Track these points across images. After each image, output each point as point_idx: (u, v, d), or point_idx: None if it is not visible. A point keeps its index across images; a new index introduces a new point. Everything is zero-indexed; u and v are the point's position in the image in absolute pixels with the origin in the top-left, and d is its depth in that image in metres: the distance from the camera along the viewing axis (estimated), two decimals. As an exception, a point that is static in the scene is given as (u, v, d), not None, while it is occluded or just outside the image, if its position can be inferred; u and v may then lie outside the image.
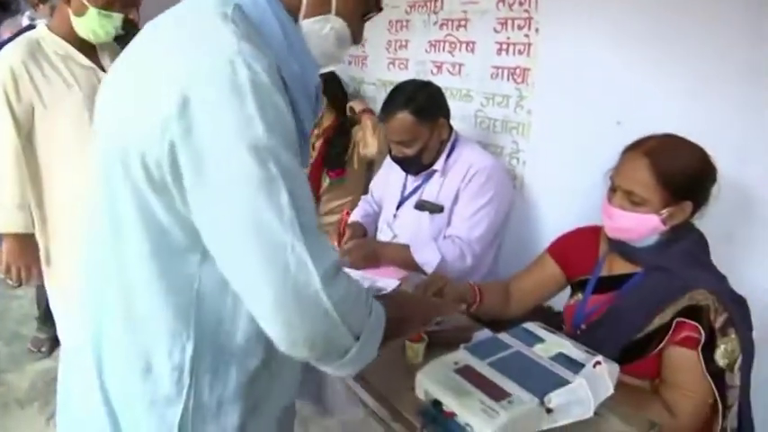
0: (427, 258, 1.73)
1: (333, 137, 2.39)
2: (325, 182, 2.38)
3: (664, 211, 1.18)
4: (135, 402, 0.79)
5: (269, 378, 0.86)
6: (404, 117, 1.73)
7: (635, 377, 1.25)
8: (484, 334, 1.33)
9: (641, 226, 1.20)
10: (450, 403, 0.99)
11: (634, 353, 1.21)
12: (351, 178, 2.40)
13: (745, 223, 1.40)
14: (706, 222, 1.27)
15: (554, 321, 1.52)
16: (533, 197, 1.95)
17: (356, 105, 2.46)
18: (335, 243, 1.86)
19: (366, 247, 1.76)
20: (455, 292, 1.33)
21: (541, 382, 1.01)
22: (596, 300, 1.31)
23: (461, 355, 1.10)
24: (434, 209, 1.81)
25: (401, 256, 1.77)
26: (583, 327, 1.31)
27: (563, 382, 1.00)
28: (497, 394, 0.98)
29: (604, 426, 1.03)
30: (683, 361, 1.16)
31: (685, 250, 1.21)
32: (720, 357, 1.13)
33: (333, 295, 0.69)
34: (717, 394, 1.14)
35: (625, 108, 1.62)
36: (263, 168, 0.67)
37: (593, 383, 1.02)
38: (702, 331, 1.13)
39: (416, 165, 1.82)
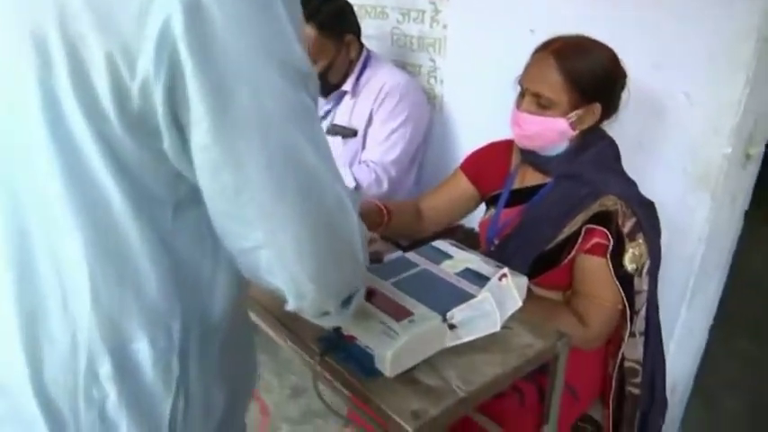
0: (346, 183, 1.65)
1: None
2: None
3: (572, 113, 1.12)
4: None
5: (244, 358, 0.77)
6: (308, 32, 1.60)
7: (548, 289, 1.23)
8: (395, 255, 1.28)
9: (550, 130, 1.14)
10: (349, 327, 0.93)
11: (545, 264, 1.18)
12: None
13: (657, 131, 1.38)
14: (617, 130, 1.23)
15: (472, 240, 1.49)
16: (453, 116, 1.88)
17: None
18: None
19: None
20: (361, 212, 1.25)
21: (445, 298, 0.96)
22: (508, 213, 1.27)
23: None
24: (347, 133, 1.72)
25: None
26: (496, 242, 1.28)
27: (467, 297, 0.96)
28: (399, 314, 0.93)
29: (513, 339, 1.00)
30: (592, 269, 1.14)
31: (595, 156, 1.17)
32: (629, 262, 1.12)
33: (361, 237, 0.63)
34: (624, 298, 1.13)
35: (538, 16, 1.54)
36: (297, 93, 0.55)
37: (498, 297, 0.99)
38: (611, 237, 1.11)
39: (323, 85, 1.70)
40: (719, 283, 1.56)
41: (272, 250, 0.58)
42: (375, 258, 1.19)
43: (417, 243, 1.22)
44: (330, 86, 1.72)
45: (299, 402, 2.02)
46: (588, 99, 1.12)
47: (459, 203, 1.39)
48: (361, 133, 1.71)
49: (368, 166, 1.66)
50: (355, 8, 1.77)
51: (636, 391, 1.19)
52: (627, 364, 1.19)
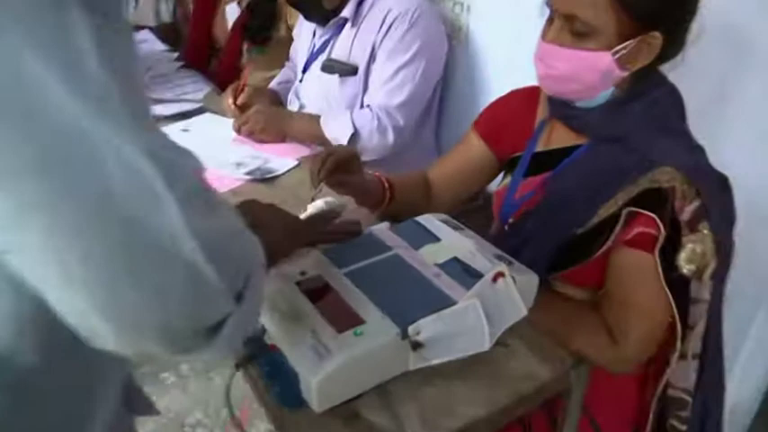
0: (338, 132, 1.36)
1: (257, 3, 1.92)
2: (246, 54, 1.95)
3: (620, 46, 0.78)
4: None
5: None
6: None
7: (576, 287, 0.93)
8: (379, 228, 1.01)
9: (588, 70, 0.80)
10: (274, 332, 0.68)
11: (572, 255, 0.88)
12: (276, 47, 1.95)
13: (742, 79, 1.01)
14: (685, 77, 0.87)
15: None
16: (481, 53, 1.52)
17: None
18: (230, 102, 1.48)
19: (268, 115, 1.38)
20: (358, 185, 0.95)
21: (414, 301, 0.69)
22: (529, 184, 0.95)
23: (315, 261, 0.77)
24: (345, 70, 1.41)
25: (310, 130, 1.40)
26: (511, 220, 0.97)
27: (444, 303, 0.68)
28: (344, 321, 0.66)
29: (508, 363, 0.73)
30: (633, 267, 0.83)
31: (649, 112, 0.83)
32: (685, 261, 0.80)
33: (199, 230, 0.37)
34: (675, 310, 0.82)
35: None
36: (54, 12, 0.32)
37: (492, 304, 0.70)
38: (662, 225, 0.79)
39: (316, 8, 1.39)
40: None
41: (24, 255, 0.35)
42: (350, 231, 0.92)
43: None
44: (324, 12, 1.40)
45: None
46: (644, 25, 0.78)
47: (473, 172, 1.08)
48: (362, 71, 1.39)
49: (370, 110, 1.36)
50: None
51: (681, 427, 0.89)
52: (672, 392, 0.89)
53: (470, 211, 1.43)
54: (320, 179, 0.85)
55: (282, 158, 1.30)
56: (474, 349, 0.69)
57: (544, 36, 0.84)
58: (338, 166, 0.87)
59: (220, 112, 1.51)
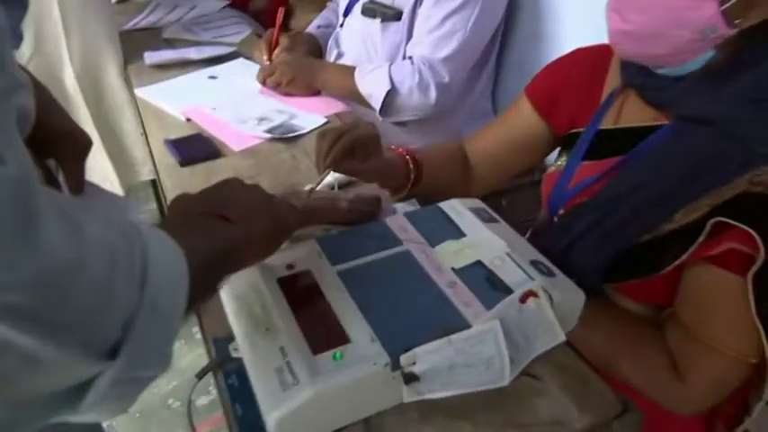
0: (372, 87, 1.20)
1: None
2: None
3: None
4: None
5: None
6: None
7: (638, 302, 0.75)
8: (406, 207, 0.85)
9: (680, 25, 0.60)
10: (241, 342, 0.55)
11: (635, 265, 0.70)
12: None
13: None
14: None
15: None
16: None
17: None
18: (265, 58, 1.34)
19: (296, 66, 1.23)
20: (374, 171, 0.79)
21: (417, 319, 0.55)
22: (589, 168, 0.76)
23: (306, 252, 0.63)
24: (387, 14, 1.22)
25: (342, 84, 1.24)
26: (561, 211, 0.79)
27: (455, 325, 0.53)
28: (324, 339, 0.53)
29: (534, 403, 0.57)
30: (717, 291, 0.64)
31: (760, 85, 0.62)
32: None
33: (52, 240, 0.28)
34: (766, 346, 0.64)
35: None
36: None
37: (518, 329, 0.55)
38: (761, 244, 0.59)
39: None
40: None
41: None
42: (367, 212, 0.78)
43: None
44: None
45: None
46: None
47: (522, 147, 0.89)
48: (407, 15, 1.21)
49: (411, 63, 1.18)
50: None
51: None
52: (748, 444, 0.71)
53: (521, 187, 1.25)
54: (326, 165, 0.70)
55: (310, 114, 1.15)
56: (490, 384, 0.54)
57: None
58: (351, 150, 0.71)
59: (254, 59, 1.38)
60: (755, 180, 0.60)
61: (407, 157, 0.85)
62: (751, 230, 0.59)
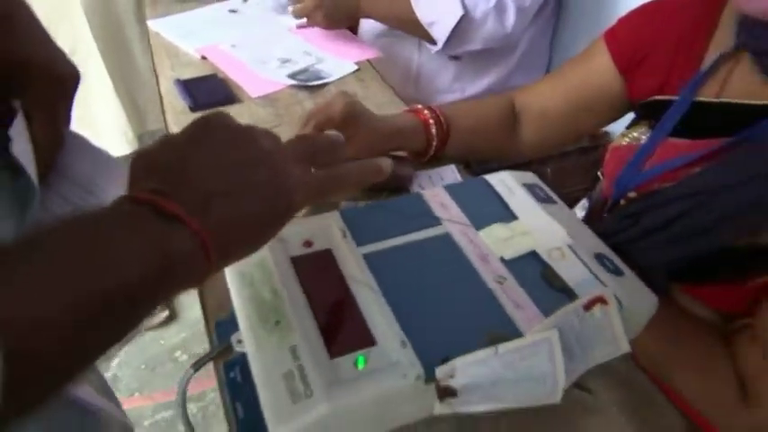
0: (438, 14, 1.03)
1: None
2: None
3: None
4: None
5: None
6: None
7: (708, 307, 0.65)
8: (444, 174, 0.76)
9: None
10: (246, 334, 0.46)
11: (717, 271, 0.59)
12: None
13: None
14: None
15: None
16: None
17: None
18: None
19: None
20: (367, 134, 0.68)
21: (457, 322, 0.45)
22: (675, 147, 0.64)
23: (327, 227, 0.54)
24: None
25: (393, 9, 1.08)
26: (632, 194, 0.68)
27: (504, 332, 0.44)
28: (344, 338, 0.44)
29: (582, 422, 0.49)
30: None
31: None
32: None
33: None
34: None
35: None
36: None
37: (577, 339, 0.45)
38: None
39: None
40: None
41: None
42: (394, 184, 0.68)
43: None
44: None
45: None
46: None
47: (587, 107, 0.76)
48: None
49: None
50: None
51: None
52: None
53: (568, 154, 1.12)
54: None
55: (340, 60, 1.04)
56: (535, 402, 0.45)
57: None
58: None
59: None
60: None
61: (426, 113, 0.73)
62: None
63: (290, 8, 1.10)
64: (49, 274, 0.25)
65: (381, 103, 0.92)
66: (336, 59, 1.03)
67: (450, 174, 0.76)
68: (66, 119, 0.43)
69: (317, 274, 0.49)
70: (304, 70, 0.99)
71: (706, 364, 0.61)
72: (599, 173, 0.87)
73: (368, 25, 1.19)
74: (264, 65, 0.99)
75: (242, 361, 0.50)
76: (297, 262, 0.50)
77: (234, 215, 0.34)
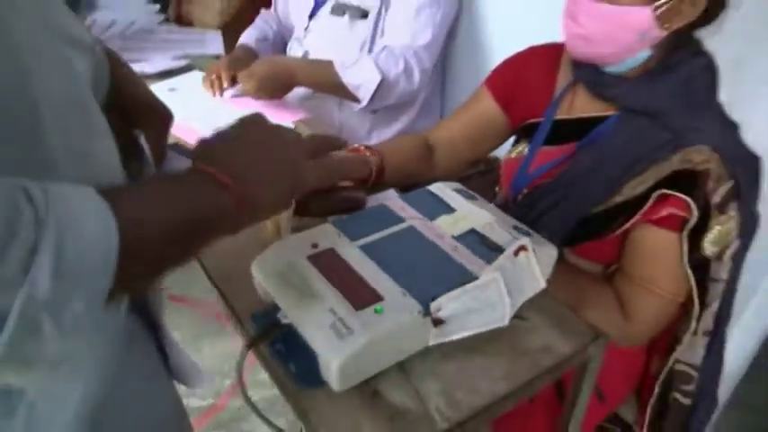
0: (363, 77, 1.30)
1: None
2: None
3: (661, 1, 0.75)
4: None
5: None
6: None
7: (589, 260, 0.91)
8: (386, 196, 0.97)
9: (624, 28, 0.77)
10: (289, 310, 0.64)
11: (590, 231, 0.86)
12: None
13: (764, 45, 0.99)
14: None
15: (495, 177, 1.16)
16: (485, 9, 1.47)
17: None
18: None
19: (275, 67, 1.30)
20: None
21: (434, 276, 0.66)
22: (548, 154, 0.92)
23: (325, 233, 0.73)
24: (355, 13, 1.35)
25: (324, 77, 1.32)
26: (524, 191, 0.94)
27: (466, 278, 0.66)
28: (362, 298, 0.63)
29: (527, 336, 0.71)
30: (657, 245, 0.81)
31: (685, 84, 0.80)
32: (710, 243, 0.79)
33: None
34: (695, 290, 0.81)
35: None
36: None
37: (512, 277, 0.68)
38: (693, 208, 0.77)
39: None
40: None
41: None
42: (356, 201, 0.89)
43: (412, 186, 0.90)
44: None
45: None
46: None
47: (482, 134, 1.03)
48: (373, 13, 1.34)
49: (393, 52, 1.31)
50: None
51: (685, 400, 0.90)
52: (678, 367, 0.89)
53: (470, 177, 1.41)
54: None
55: (278, 121, 1.24)
56: (493, 324, 0.67)
57: None
58: None
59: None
60: (685, 158, 0.78)
61: (364, 150, 0.95)
62: (687, 198, 0.76)
63: (226, 85, 1.30)
64: (152, 203, 0.42)
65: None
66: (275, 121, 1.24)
67: (392, 195, 0.98)
68: (166, 140, 0.64)
69: (329, 263, 0.68)
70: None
71: (597, 299, 0.86)
72: (496, 188, 1.15)
73: (294, 92, 1.42)
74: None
75: (281, 338, 0.67)
76: (311, 258, 0.69)
77: (261, 188, 0.50)
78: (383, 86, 1.30)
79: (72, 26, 0.49)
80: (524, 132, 0.98)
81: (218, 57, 1.54)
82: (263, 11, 1.68)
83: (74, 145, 0.45)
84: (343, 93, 1.32)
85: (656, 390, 0.90)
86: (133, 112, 0.60)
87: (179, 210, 0.43)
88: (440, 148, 1.06)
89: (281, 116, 1.27)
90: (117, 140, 0.53)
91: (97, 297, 0.36)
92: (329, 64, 1.32)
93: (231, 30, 1.75)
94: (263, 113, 0.58)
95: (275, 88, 1.27)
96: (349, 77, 1.30)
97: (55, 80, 0.44)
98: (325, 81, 1.32)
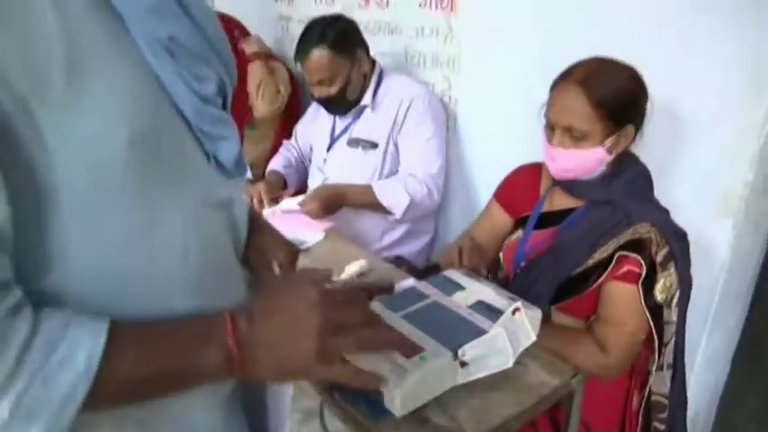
0: (396, 200, 1.66)
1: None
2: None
3: (607, 141, 1.11)
4: None
5: None
6: (320, 54, 1.62)
7: (571, 316, 1.20)
8: (407, 283, 1.25)
9: (587, 162, 1.14)
10: (360, 363, 0.90)
11: (572, 289, 1.16)
12: (262, 124, 2.24)
13: (677, 157, 1.34)
14: (638, 151, 1.20)
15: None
16: (467, 137, 1.85)
17: (246, 47, 2.21)
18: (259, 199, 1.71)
19: (333, 190, 1.65)
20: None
21: (457, 333, 0.94)
22: (537, 236, 1.25)
23: (374, 308, 1.01)
24: (368, 145, 1.72)
25: (367, 199, 1.68)
26: (522, 264, 1.25)
27: (479, 333, 0.93)
28: (409, 350, 0.89)
29: (526, 376, 0.97)
30: (621, 295, 1.11)
31: (629, 183, 1.16)
32: (659, 292, 1.09)
33: None
34: (654, 330, 1.10)
35: (555, 35, 1.51)
36: None
37: (511, 332, 0.95)
38: (644, 265, 1.08)
39: (342, 103, 1.72)
40: (742, 313, 1.51)
41: None
42: (386, 287, 1.17)
43: (428, 271, 1.20)
44: (348, 104, 1.73)
45: (310, 427, 1.96)
46: (621, 123, 1.11)
47: (500, 234, 1.38)
48: (382, 145, 1.72)
49: (416, 179, 1.67)
50: (369, 24, 1.76)
51: (661, 426, 1.16)
52: (654, 398, 1.16)
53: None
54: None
55: (310, 231, 1.55)
56: (501, 367, 0.94)
57: (550, 140, 1.15)
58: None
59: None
60: (635, 231, 1.11)
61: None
62: (638, 257, 1.07)
63: (266, 206, 1.63)
64: (151, 355, 0.48)
65: (350, 252, 1.43)
66: (307, 231, 1.54)
67: (411, 281, 1.27)
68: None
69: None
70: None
71: (578, 341, 1.13)
72: (499, 267, 1.45)
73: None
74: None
75: (348, 396, 0.92)
76: (368, 327, 0.96)
77: (265, 370, 0.54)
78: (412, 205, 1.66)
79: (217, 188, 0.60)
80: (520, 223, 1.31)
81: (250, 180, 1.86)
82: (285, 141, 2.05)
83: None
84: (381, 210, 1.68)
85: (640, 421, 1.15)
86: (269, 250, 0.76)
87: (171, 364, 0.49)
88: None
89: (313, 227, 1.58)
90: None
91: (57, 426, 0.43)
92: (369, 188, 1.67)
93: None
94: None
95: (330, 209, 1.61)
96: (386, 200, 1.66)
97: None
98: (368, 201, 1.67)
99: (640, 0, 1.32)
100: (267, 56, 2.26)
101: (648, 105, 1.14)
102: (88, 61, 0.45)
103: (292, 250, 0.82)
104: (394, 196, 1.67)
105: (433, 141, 1.68)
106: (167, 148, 0.52)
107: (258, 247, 0.75)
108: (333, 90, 1.68)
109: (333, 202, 1.62)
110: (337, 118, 1.81)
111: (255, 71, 2.12)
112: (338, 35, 1.66)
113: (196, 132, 0.55)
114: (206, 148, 0.57)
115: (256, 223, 0.77)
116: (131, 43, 0.49)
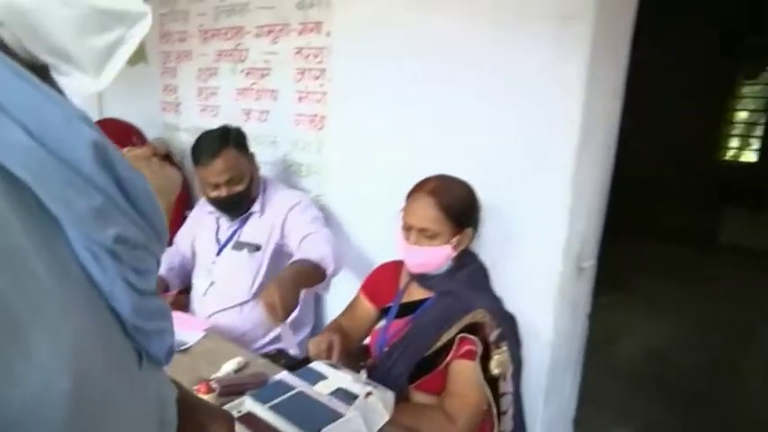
0: (323, 251, 1.62)
1: None
2: None
3: (453, 239, 1.36)
4: None
5: None
6: (228, 153, 1.78)
7: (427, 393, 1.37)
8: (278, 377, 1.38)
9: (438, 257, 1.37)
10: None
11: (425, 368, 1.34)
12: None
13: (505, 253, 1.62)
14: (477, 249, 1.46)
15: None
16: (339, 235, 2.06)
17: (146, 149, 2.38)
18: None
19: (287, 285, 1.42)
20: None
21: (318, 418, 1.07)
22: (397, 324, 1.44)
23: (246, 402, 1.13)
24: (252, 248, 1.86)
25: (301, 272, 1.53)
26: (385, 349, 1.43)
27: (337, 416, 1.08)
28: (272, 440, 1.02)
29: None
30: (463, 371, 1.30)
31: (469, 276, 1.40)
32: (494, 367, 1.30)
33: None
34: (492, 400, 1.30)
35: (408, 152, 1.79)
36: None
37: (365, 413, 1.11)
38: (479, 344, 1.29)
39: (246, 200, 1.87)
40: (574, 383, 1.77)
41: None
42: (261, 380, 1.29)
43: (302, 363, 1.34)
44: (249, 201, 1.89)
45: None
46: (463, 225, 1.37)
47: (367, 324, 1.55)
48: (265, 247, 1.87)
49: (316, 233, 1.74)
50: (251, 138, 1.96)
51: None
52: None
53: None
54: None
55: (190, 332, 1.63)
56: (358, 445, 1.08)
57: (407, 239, 1.38)
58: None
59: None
60: (474, 317, 1.32)
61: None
62: (475, 338, 1.28)
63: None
64: None
65: (229, 349, 1.53)
66: (187, 332, 1.61)
67: (285, 374, 1.39)
68: None
69: (248, 420, 1.07)
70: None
71: (431, 418, 1.30)
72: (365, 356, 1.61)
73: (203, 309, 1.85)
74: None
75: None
76: (239, 420, 1.07)
77: None
78: (335, 248, 1.65)
79: None
80: (383, 313, 1.50)
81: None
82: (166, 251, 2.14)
83: None
84: (315, 278, 1.54)
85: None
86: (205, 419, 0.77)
87: None
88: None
89: (191, 326, 1.66)
90: None
91: None
92: (296, 262, 1.55)
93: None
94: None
95: (294, 303, 1.41)
96: (314, 254, 1.57)
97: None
98: (304, 272, 1.51)
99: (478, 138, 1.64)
100: (166, 157, 2.41)
101: (482, 213, 1.42)
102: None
103: (228, 418, 0.83)
104: (318, 248, 1.63)
105: (318, 222, 1.83)
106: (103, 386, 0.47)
107: (197, 425, 0.77)
108: (241, 187, 1.82)
109: (293, 296, 1.43)
110: (222, 223, 1.95)
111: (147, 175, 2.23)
112: (239, 136, 1.85)
113: (130, 332, 0.51)
114: (137, 347, 0.53)
115: (186, 403, 0.74)
116: (62, 248, 0.45)
